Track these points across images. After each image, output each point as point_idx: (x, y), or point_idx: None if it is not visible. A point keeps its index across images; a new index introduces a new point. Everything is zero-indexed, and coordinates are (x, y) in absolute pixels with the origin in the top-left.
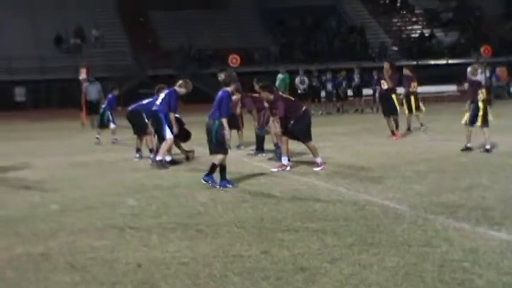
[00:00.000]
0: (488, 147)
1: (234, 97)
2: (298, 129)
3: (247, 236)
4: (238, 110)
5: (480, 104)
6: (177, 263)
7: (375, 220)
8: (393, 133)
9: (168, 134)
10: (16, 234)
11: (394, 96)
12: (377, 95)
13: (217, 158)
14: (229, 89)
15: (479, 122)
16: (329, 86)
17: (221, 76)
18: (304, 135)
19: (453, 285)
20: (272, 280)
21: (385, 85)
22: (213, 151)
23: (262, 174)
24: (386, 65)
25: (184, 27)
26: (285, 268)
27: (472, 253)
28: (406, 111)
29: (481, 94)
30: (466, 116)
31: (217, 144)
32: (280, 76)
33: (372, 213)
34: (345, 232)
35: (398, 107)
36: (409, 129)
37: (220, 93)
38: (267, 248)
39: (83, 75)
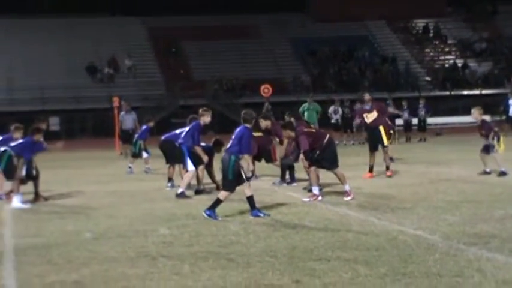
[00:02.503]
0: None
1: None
2: (324, 158)
3: (279, 265)
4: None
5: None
6: None
7: (407, 250)
8: (370, 170)
9: (190, 167)
10: (50, 262)
11: (381, 128)
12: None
13: (223, 194)
14: (248, 125)
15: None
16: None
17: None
18: (330, 163)
19: None
20: None
21: (368, 117)
22: (225, 186)
23: (293, 204)
24: (367, 96)
25: (216, 57)
26: None
27: (506, 284)
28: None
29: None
30: (497, 146)
31: (232, 180)
32: (305, 105)
33: (405, 244)
34: (377, 262)
35: (385, 140)
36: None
37: (240, 128)
38: (299, 277)
39: (115, 103)
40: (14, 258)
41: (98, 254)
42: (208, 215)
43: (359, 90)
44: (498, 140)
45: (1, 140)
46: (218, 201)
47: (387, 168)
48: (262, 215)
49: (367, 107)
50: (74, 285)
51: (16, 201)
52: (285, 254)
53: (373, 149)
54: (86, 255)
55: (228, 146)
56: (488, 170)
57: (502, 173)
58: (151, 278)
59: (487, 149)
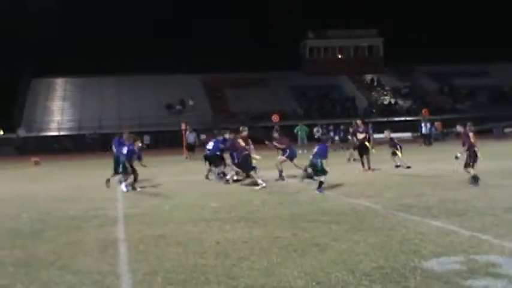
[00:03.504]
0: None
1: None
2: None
3: (284, 224)
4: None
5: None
6: (241, 241)
7: (361, 214)
8: (369, 168)
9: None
10: (144, 223)
11: (367, 143)
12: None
13: (322, 178)
14: (326, 144)
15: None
16: (331, 133)
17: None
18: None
19: (409, 253)
20: (299, 251)
21: (360, 136)
22: (321, 173)
23: (292, 187)
24: (359, 121)
25: (244, 98)
26: (307, 244)
27: (420, 234)
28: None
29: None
30: (399, 154)
31: (324, 170)
32: (298, 127)
33: (360, 211)
34: (343, 222)
35: (370, 149)
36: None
37: (321, 145)
38: (296, 232)
39: (183, 127)
40: (123, 220)
41: (173, 219)
42: (319, 191)
43: (332, 118)
44: (400, 149)
45: (118, 147)
46: (321, 183)
47: (369, 167)
48: (319, 192)
49: (360, 129)
50: (159, 237)
51: (123, 187)
52: (288, 217)
53: (362, 156)
54: (165, 219)
55: (314, 153)
56: (398, 164)
57: (408, 167)
58: (206, 233)
59: (394, 153)
